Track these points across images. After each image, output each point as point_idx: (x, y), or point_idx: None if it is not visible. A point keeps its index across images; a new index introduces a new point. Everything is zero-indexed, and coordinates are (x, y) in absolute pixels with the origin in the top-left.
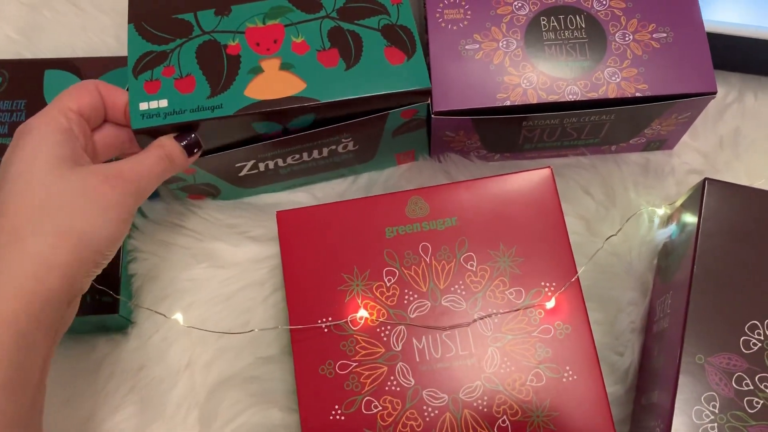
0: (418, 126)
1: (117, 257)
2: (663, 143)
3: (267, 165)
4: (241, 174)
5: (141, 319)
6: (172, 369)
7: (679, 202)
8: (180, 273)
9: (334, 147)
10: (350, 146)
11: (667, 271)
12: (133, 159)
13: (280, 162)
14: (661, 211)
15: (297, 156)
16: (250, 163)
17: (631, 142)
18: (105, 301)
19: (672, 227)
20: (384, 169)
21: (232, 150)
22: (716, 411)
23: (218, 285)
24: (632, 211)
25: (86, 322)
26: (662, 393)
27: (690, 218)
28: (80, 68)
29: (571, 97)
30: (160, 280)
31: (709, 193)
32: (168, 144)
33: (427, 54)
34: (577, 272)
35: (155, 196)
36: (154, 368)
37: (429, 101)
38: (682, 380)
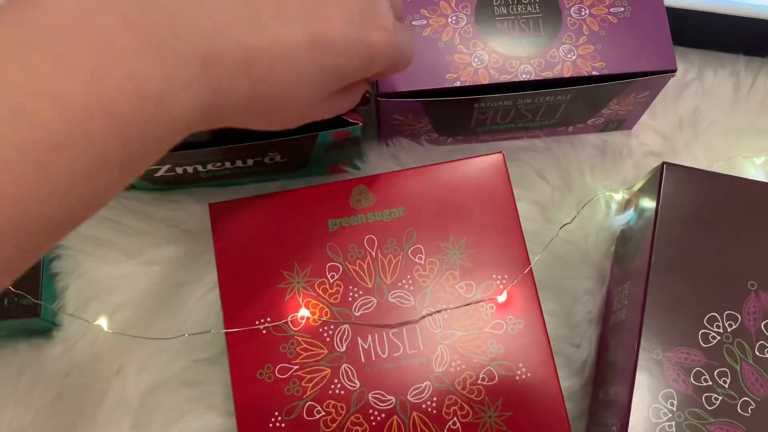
0: (352, 144)
1: None
2: (621, 123)
3: (185, 170)
4: (157, 175)
5: (67, 322)
6: (101, 374)
7: (636, 187)
8: (109, 270)
9: (259, 159)
10: (278, 158)
11: (624, 259)
12: None
13: (199, 168)
14: (619, 196)
15: (218, 164)
16: (165, 167)
17: (588, 122)
18: (24, 304)
19: (630, 213)
20: (316, 176)
21: None
22: (674, 408)
23: (151, 282)
24: (588, 197)
25: (5, 325)
26: (619, 389)
27: (648, 203)
28: None
29: (524, 77)
30: (88, 279)
31: (668, 178)
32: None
33: None
34: (530, 264)
35: None
36: (81, 374)
37: (370, 91)
38: (639, 377)
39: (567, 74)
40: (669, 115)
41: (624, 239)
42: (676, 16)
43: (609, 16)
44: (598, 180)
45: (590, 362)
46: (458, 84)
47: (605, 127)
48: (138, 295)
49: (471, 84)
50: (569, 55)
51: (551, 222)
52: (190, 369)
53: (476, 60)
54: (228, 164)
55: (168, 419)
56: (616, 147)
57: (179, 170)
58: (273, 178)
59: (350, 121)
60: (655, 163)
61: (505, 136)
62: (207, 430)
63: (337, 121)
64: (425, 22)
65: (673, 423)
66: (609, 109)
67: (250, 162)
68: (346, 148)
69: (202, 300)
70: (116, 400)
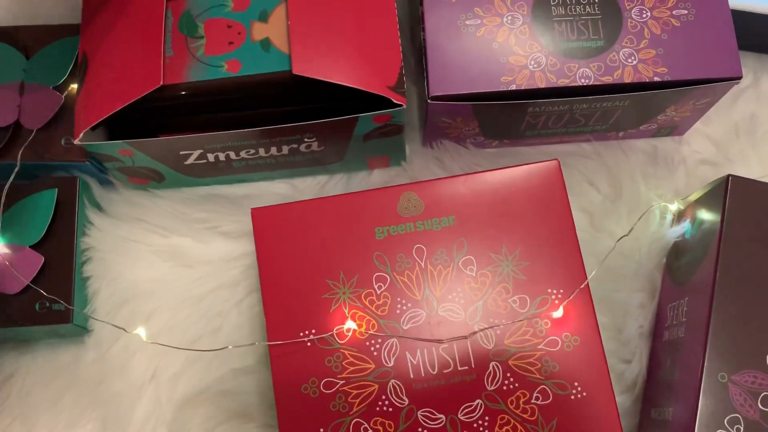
0: (393, 132)
1: (69, 257)
2: (673, 129)
3: (217, 156)
4: (187, 162)
5: (98, 327)
6: (134, 383)
7: (693, 197)
8: (142, 274)
9: (295, 145)
10: (314, 146)
11: (680, 273)
12: None
13: (232, 155)
14: (674, 207)
15: (252, 151)
16: (196, 153)
17: (640, 128)
18: (56, 309)
19: (685, 225)
20: (357, 171)
21: (174, 137)
22: None
23: (186, 287)
24: (640, 205)
25: (36, 330)
26: (679, 411)
27: (708, 216)
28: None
29: (583, 81)
30: (120, 283)
31: (733, 192)
32: None
33: (422, 30)
34: (586, 278)
35: (109, 184)
36: (114, 382)
37: (402, 106)
38: (703, 401)
39: (628, 80)
40: (723, 122)
41: (678, 252)
42: (734, 18)
43: (671, 19)
44: (650, 188)
45: (641, 379)
46: (514, 87)
47: (657, 133)
48: (171, 301)
49: (527, 88)
50: (630, 60)
51: (600, 231)
52: (226, 378)
53: (533, 62)
54: (262, 151)
55: (204, 430)
56: (668, 154)
57: (211, 157)
58: (309, 172)
59: (394, 101)
60: (708, 171)
61: (553, 140)
62: None
63: (379, 104)
64: (479, 21)
65: None
66: (665, 116)
67: (285, 150)
68: (386, 136)
69: (239, 306)
70: (150, 410)
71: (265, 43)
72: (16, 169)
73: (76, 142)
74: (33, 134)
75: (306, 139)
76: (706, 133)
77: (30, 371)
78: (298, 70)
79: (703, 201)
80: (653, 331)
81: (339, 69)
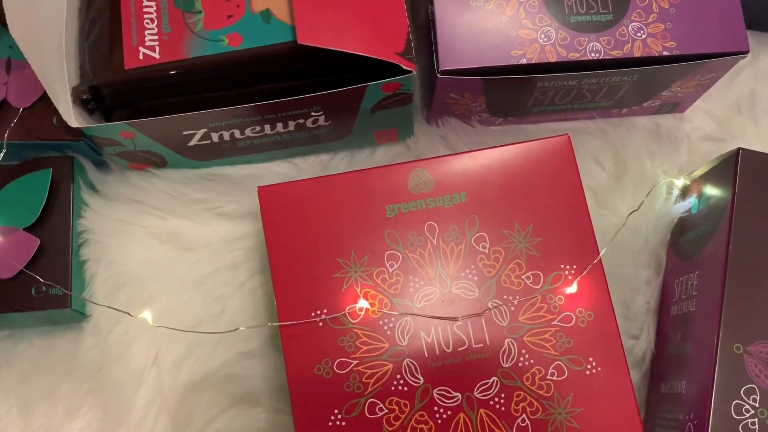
0: (401, 102)
1: (66, 240)
2: (676, 107)
3: (221, 136)
4: (191, 144)
5: (97, 311)
6: (135, 369)
7: (699, 173)
8: (140, 257)
9: (302, 120)
10: (321, 121)
11: (686, 248)
12: None
13: (237, 133)
14: (680, 183)
15: (258, 128)
16: (200, 132)
17: (644, 105)
18: (53, 294)
19: (692, 200)
20: (361, 148)
21: (178, 115)
22: (756, 405)
23: (185, 270)
24: (645, 182)
25: (31, 316)
26: (692, 384)
27: (716, 190)
28: None
29: (593, 56)
30: (118, 266)
31: (743, 165)
32: None
33: (430, 3)
34: (599, 253)
35: (104, 165)
36: (114, 368)
37: (412, 72)
38: (720, 372)
39: (637, 54)
40: (722, 99)
41: (683, 227)
42: None
43: None
44: (655, 165)
45: (649, 354)
46: (524, 61)
47: (659, 110)
48: (171, 284)
49: (538, 62)
50: (639, 34)
51: (605, 208)
52: (231, 363)
53: (543, 36)
54: (268, 129)
55: (208, 417)
56: (670, 131)
57: (215, 137)
58: (313, 150)
59: (403, 68)
60: (710, 147)
61: (558, 117)
62: (251, 427)
63: (387, 71)
64: None
65: (756, 420)
66: (669, 92)
67: (291, 125)
68: (395, 106)
69: (240, 289)
70: (152, 396)
71: (266, 15)
72: (3, 151)
73: (73, 125)
74: (20, 113)
75: (313, 113)
76: (707, 110)
77: (27, 359)
78: (303, 40)
79: (711, 176)
80: (659, 306)
81: (345, 37)
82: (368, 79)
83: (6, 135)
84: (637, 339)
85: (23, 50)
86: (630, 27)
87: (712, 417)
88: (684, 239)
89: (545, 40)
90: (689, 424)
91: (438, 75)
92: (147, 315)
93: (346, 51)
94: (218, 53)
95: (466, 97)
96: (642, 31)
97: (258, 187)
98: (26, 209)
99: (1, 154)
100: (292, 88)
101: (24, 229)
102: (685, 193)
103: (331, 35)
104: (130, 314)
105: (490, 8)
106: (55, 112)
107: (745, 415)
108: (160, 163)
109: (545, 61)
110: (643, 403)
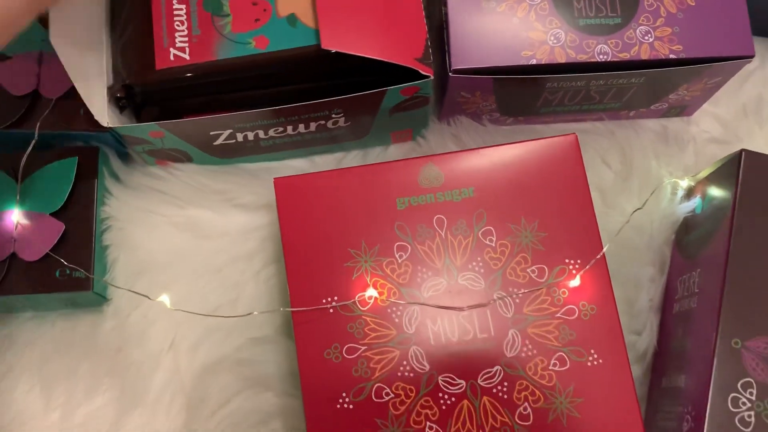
0: (418, 104)
1: (89, 226)
2: (683, 110)
3: (246, 136)
4: (216, 143)
5: (117, 295)
6: (153, 351)
7: (704, 174)
8: (160, 244)
9: (323, 122)
10: (341, 122)
11: (689, 247)
12: None
13: (261, 134)
14: (685, 183)
15: (281, 129)
16: (226, 133)
17: (651, 107)
18: (76, 277)
19: (696, 200)
20: (372, 147)
21: (206, 117)
22: (753, 398)
23: (203, 258)
24: (651, 182)
25: (54, 298)
26: (691, 378)
27: (720, 191)
28: None
29: (601, 58)
30: (138, 252)
31: (746, 165)
32: None
33: (444, 5)
34: (602, 248)
35: (127, 156)
36: (133, 351)
37: (430, 77)
38: (718, 365)
39: (644, 56)
40: (731, 104)
41: (687, 227)
42: None
43: None
44: (661, 165)
45: (651, 350)
46: (534, 62)
47: (667, 113)
48: (189, 271)
49: (547, 62)
50: (646, 37)
51: (612, 208)
52: (245, 348)
53: (552, 38)
54: (290, 129)
55: (222, 399)
56: (677, 133)
57: (240, 137)
58: (332, 150)
59: (421, 73)
60: (716, 150)
61: (567, 118)
62: (262, 410)
63: (405, 74)
64: None
65: (753, 413)
66: (677, 95)
67: (312, 126)
68: (412, 109)
69: (256, 278)
70: (168, 378)
71: (292, 19)
72: (34, 139)
73: (105, 124)
74: (52, 103)
75: (333, 115)
76: (714, 114)
77: (49, 339)
78: (327, 45)
79: (715, 176)
80: (662, 304)
81: (366, 42)
82: (387, 81)
83: (38, 125)
84: (640, 335)
85: (58, 52)
86: (638, 30)
87: (710, 409)
88: (688, 239)
89: (555, 41)
90: (687, 416)
91: (450, 74)
92: (165, 299)
93: (367, 56)
94: (246, 55)
95: (477, 96)
96: (649, 35)
97: (274, 178)
98: (53, 196)
99: (32, 143)
100: (313, 89)
101: (50, 215)
102: (690, 193)
103: (353, 40)
104: (149, 297)
105: (501, 10)
106: (83, 104)
107: (741, 408)
108: (186, 159)
109: (554, 62)
110: (645, 398)
